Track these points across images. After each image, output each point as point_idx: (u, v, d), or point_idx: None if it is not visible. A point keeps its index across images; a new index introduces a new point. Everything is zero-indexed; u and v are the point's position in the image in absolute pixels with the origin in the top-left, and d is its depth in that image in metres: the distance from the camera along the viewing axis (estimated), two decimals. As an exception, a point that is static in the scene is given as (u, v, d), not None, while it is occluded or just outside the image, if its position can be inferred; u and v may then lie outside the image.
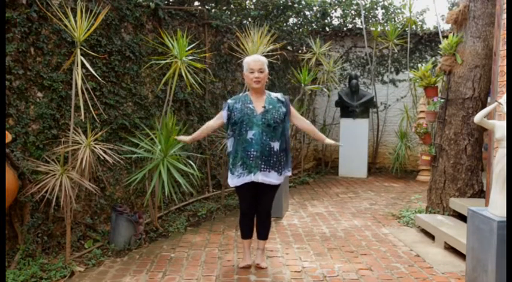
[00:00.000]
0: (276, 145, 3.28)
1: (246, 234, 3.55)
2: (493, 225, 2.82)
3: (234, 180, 3.33)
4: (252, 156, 3.23)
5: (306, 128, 3.55)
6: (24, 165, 3.42)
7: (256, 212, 3.51)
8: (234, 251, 3.91)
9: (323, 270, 3.44)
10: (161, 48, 4.49)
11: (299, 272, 3.42)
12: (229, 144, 3.42)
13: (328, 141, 3.49)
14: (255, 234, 3.56)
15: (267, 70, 3.37)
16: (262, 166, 3.25)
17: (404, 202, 6.00)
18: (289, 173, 3.50)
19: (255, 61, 3.33)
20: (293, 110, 3.46)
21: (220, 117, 3.41)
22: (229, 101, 3.42)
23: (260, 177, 3.26)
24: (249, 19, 7.28)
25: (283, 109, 3.34)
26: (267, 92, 3.42)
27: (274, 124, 3.27)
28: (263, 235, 3.54)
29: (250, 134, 3.25)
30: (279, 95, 3.43)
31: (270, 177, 3.30)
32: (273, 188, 3.40)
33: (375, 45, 8.53)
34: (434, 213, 4.68)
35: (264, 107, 3.30)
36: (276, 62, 6.43)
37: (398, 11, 9.10)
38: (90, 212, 4.19)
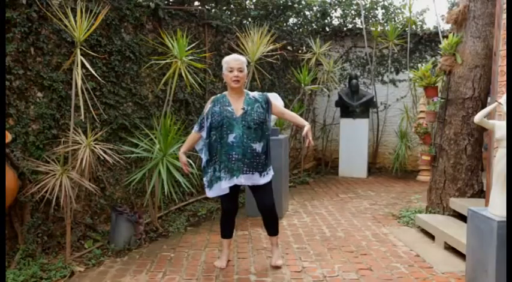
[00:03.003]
0: (257, 146, 3.25)
1: (225, 234, 3.55)
2: (493, 225, 2.82)
3: (215, 191, 3.28)
4: (233, 159, 3.21)
5: (290, 120, 3.55)
6: (24, 165, 3.42)
7: (261, 212, 3.49)
8: (234, 251, 3.91)
9: (323, 270, 3.44)
10: (161, 48, 4.49)
11: (299, 272, 3.42)
12: (204, 154, 3.34)
13: (306, 129, 3.27)
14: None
15: (246, 70, 3.35)
16: (245, 168, 3.23)
17: (404, 202, 6.00)
18: (271, 173, 3.40)
19: (234, 60, 3.31)
20: (274, 106, 3.41)
21: (198, 136, 3.39)
22: (208, 105, 3.37)
23: (243, 180, 3.24)
24: (249, 19, 7.27)
25: (261, 109, 3.31)
26: (245, 91, 3.39)
27: (255, 126, 3.24)
28: (272, 231, 3.53)
29: (231, 137, 3.22)
30: (256, 95, 3.39)
31: (253, 179, 3.28)
32: (265, 185, 3.36)
33: (375, 45, 8.53)
34: (434, 213, 4.68)
35: (243, 108, 3.27)
36: (276, 62, 6.43)
37: (398, 11, 9.09)
38: (90, 212, 4.19)
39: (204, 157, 3.36)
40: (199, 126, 3.39)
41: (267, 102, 3.37)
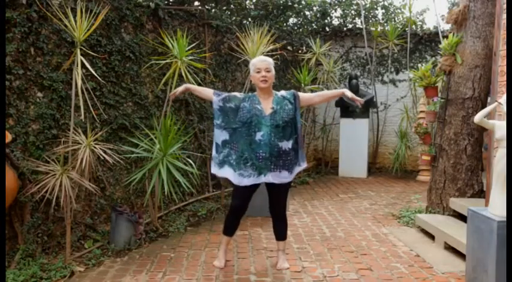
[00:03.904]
0: (284, 145, 3.26)
1: (230, 231, 3.53)
2: (493, 225, 2.82)
3: (238, 179, 3.28)
4: (260, 157, 3.21)
5: (324, 100, 3.64)
6: (24, 165, 3.42)
7: (272, 215, 3.52)
8: (234, 251, 3.91)
9: (323, 270, 3.44)
10: (161, 48, 4.49)
11: (299, 272, 3.42)
12: (222, 135, 3.34)
13: (348, 93, 3.36)
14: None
15: (273, 70, 3.36)
16: (272, 167, 3.24)
17: (405, 202, 6.00)
18: (305, 165, 3.44)
19: (261, 61, 3.34)
20: (302, 97, 3.42)
21: (211, 97, 3.38)
22: (236, 94, 3.40)
23: (271, 178, 3.25)
24: (249, 19, 7.28)
25: (290, 106, 3.32)
26: (274, 92, 3.41)
27: (283, 124, 3.25)
28: (282, 236, 3.54)
29: (258, 135, 3.23)
30: (283, 93, 3.41)
31: (281, 177, 3.28)
32: (285, 186, 3.39)
33: (375, 45, 8.53)
34: (434, 213, 4.68)
35: (273, 107, 3.29)
36: (276, 62, 6.40)
37: (398, 11, 9.10)
38: (90, 212, 4.19)
39: (220, 135, 3.34)
40: (219, 94, 3.38)
41: (295, 97, 3.37)
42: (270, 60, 3.38)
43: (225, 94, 3.39)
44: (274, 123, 3.24)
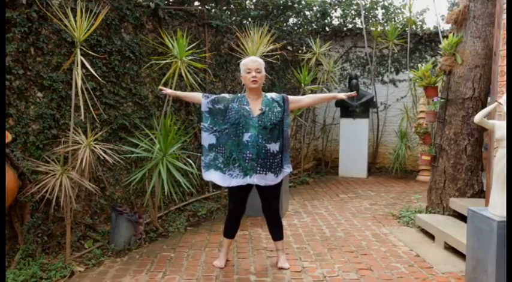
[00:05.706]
0: (272, 147, 3.27)
1: (229, 234, 3.55)
2: (493, 225, 2.82)
3: (227, 181, 3.30)
4: (247, 158, 3.23)
5: (314, 102, 3.62)
6: (24, 165, 3.42)
7: (264, 216, 3.53)
8: (234, 251, 3.91)
9: (323, 270, 3.44)
10: (161, 48, 4.49)
11: (299, 272, 3.42)
12: (209, 139, 3.35)
13: (340, 95, 3.42)
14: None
15: (264, 71, 3.37)
16: (258, 168, 3.24)
17: (405, 202, 6.00)
18: (289, 170, 3.42)
19: (252, 61, 3.35)
20: (291, 100, 3.43)
21: (200, 100, 3.39)
22: (225, 95, 3.42)
23: (256, 179, 3.25)
24: (249, 19, 7.28)
25: (279, 108, 3.33)
26: (263, 93, 3.42)
27: (271, 126, 3.26)
28: (278, 236, 3.54)
29: (246, 136, 3.24)
30: (273, 95, 3.42)
31: (266, 180, 3.29)
32: (273, 187, 3.39)
33: (374, 45, 8.53)
34: (434, 213, 4.68)
35: (261, 109, 3.29)
36: (276, 62, 6.43)
37: (398, 11, 9.10)
38: (90, 212, 4.19)
39: (207, 138, 3.35)
40: (208, 96, 3.40)
41: (284, 100, 3.39)
42: (261, 61, 3.39)
43: (214, 96, 3.39)
44: (262, 124, 3.24)
